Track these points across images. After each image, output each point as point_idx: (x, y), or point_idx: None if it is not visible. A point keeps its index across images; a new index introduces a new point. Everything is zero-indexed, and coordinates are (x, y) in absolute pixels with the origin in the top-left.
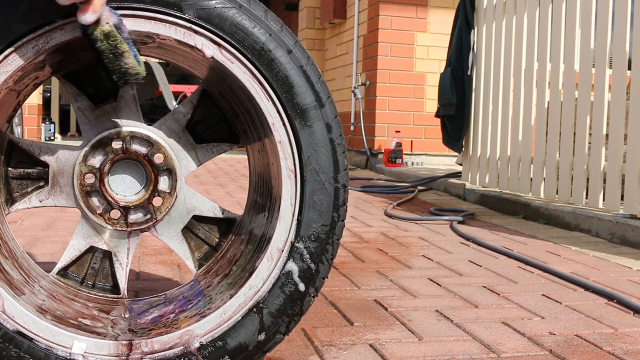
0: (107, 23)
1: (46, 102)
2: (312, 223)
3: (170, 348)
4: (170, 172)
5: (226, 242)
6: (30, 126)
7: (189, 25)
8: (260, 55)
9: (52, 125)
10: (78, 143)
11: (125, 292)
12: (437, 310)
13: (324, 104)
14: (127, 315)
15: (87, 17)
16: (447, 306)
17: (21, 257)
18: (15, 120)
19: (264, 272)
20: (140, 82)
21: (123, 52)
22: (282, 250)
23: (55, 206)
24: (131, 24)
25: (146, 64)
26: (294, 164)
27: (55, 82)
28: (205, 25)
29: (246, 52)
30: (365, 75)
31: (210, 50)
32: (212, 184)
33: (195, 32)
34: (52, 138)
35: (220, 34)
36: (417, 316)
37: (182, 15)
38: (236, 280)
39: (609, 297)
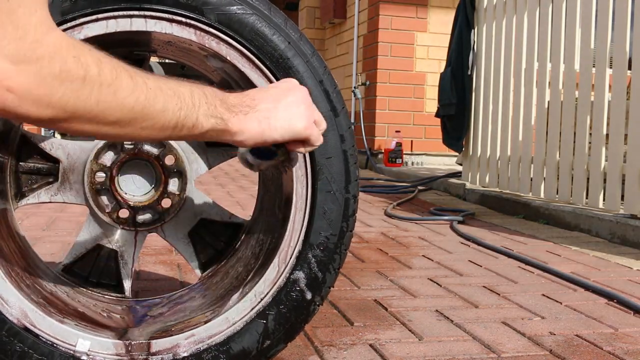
0: None
1: None
2: (321, 232)
3: (174, 350)
4: (181, 174)
5: (233, 246)
6: (29, 126)
7: (209, 29)
8: (278, 63)
9: None
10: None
11: (130, 292)
12: (437, 310)
13: (339, 114)
14: (131, 315)
15: None
16: (447, 306)
17: (28, 252)
18: None
19: (271, 278)
20: None
21: None
22: (290, 258)
23: (64, 202)
24: (152, 26)
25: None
26: (306, 173)
27: None
28: (225, 30)
29: (264, 59)
30: (365, 75)
31: (228, 54)
32: (212, 183)
33: (215, 36)
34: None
35: (240, 39)
36: (417, 316)
37: (203, 19)
38: (242, 286)
39: (609, 297)
